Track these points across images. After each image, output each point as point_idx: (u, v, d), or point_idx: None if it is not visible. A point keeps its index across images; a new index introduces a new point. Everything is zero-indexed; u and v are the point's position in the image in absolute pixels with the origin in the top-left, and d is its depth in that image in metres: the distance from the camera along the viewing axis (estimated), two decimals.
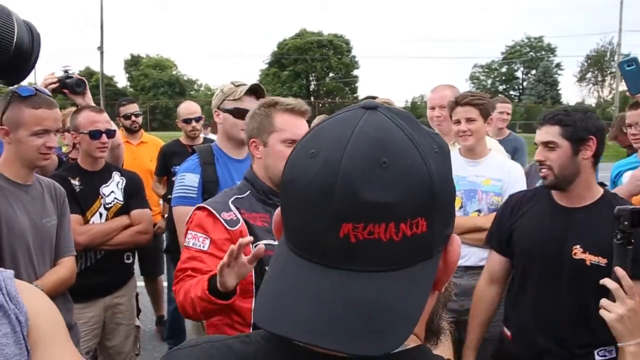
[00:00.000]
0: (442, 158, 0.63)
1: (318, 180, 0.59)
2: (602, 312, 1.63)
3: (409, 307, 0.59)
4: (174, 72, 56.70)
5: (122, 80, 58.73)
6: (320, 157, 0.60)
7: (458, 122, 2.95)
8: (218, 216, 1.97)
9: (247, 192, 2.09)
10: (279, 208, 0.71)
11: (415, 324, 0.59)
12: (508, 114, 5.52)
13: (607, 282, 1.64)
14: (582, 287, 2.11)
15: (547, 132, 2.15)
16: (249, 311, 1.97)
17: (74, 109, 3.45)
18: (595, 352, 2.13)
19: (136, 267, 3.42)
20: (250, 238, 1.77)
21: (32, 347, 1.03)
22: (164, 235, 4.61)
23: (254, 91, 2.79)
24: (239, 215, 2.00)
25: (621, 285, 1.59)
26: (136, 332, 3.23)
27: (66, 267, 2.43)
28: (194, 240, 1.97)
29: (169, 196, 2.86)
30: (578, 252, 2.12)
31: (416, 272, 0.60)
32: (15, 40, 0.56)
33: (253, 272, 1.95)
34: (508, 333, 2.36)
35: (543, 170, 2.18)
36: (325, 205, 0.58)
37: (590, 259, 2.10)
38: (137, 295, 3.35)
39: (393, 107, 0.65)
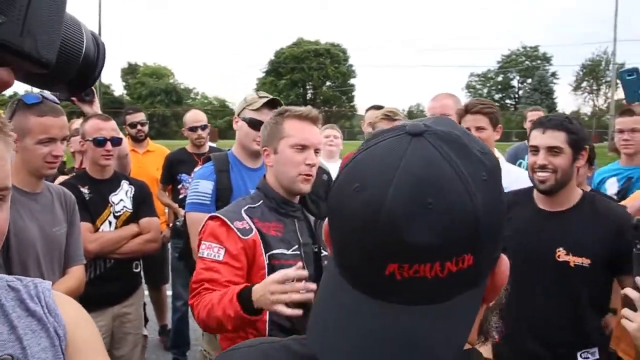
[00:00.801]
0: (490, 184, 0.61)
1: (362, 219, 0.58)
2: (623, 321, 1.63)
3: (450, 339, 0.59)
4: (170, 81, 56.78)
5: (118, 89, 58.76)
6: (364, 194, 0.59)
7: (467, 130, 2.94)
8: (231, 225, 1.96)
9: (260, 202, 2.09)
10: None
11: (455, 355, 0.59)
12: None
13: (629, 291, 1.64)
14: (567, 288, 2.16)
15: (554, 137, 2.18)
16: (264, 323, 1.98)
17: (80, 120, 3.44)
18: (578, 354, 2.17)
19: None
20: (304, 273, 1.77)
21: None
22: (169, 244, 4.59)
23: (274, 105, 2.78)
24: (251, 224, 2.00)
25: None
26: (144, 342, 3.21)
27: (75, 276, 2.40)
28: (209, 251, 1.95)
29: (184, 203, 2.86)
30: (562, 254, 2.17)
31: (461, 302, 0.60)
32: (83, 51, 0.56)
33: None
34: (496, 335, 2.36)
35: (543, 174, 2.20)
36: (371, 245, 0.58)
37: (574, 260, 2.15)
38: (144, 305, 3.33)
39: (439, 129, 0.62)
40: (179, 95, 55.46)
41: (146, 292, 4.18)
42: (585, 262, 2.13)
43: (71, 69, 0.56)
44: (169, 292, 4.82)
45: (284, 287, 1.71)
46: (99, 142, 2.90)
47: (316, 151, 2.13)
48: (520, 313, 2.22)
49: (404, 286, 0.58)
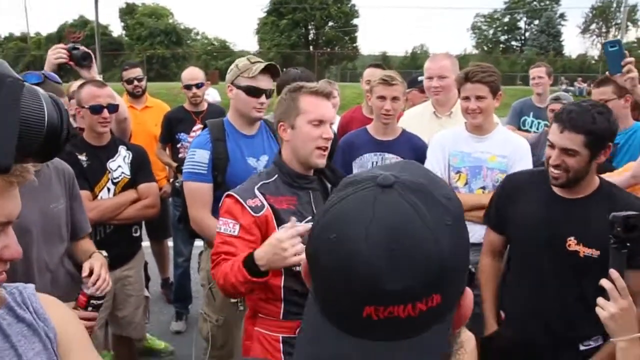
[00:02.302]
0: (455, 228, 0.67)
1: (340, 266, 0.64)
2: (597, 309, 1.67)
3: None
4: (170, 21, 55.44)
5: (117, 29, 57.49)
6: (341, 244, 0.64)
7: (467, 98, 2.87)
8: (244, 203, 2.10)
9: (275, 176, 2.21)
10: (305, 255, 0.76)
11: None
12: (540, 77, 5.39)
13: (603, 282, 1.67)
14: (576, 278, 2.15)
15: (570, 140, 2.07)
16: (278, 288, 2.14)
17: (77, 82, 3.39)
18: (580, 344, 2.19)
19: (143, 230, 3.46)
20: (307, 227, 1.93)
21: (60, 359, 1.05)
22: (170, 200, 4.64)
23: (269, 70, 2.78)
24: (264, 201, 2.12)
25: (616, 286, 1.64)
26: (146, 303, 3.30)
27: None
28: (225, 227, 2.11)
29: (182, 167, 2.88)
30: (572, 243, 2.14)
31: (431, 336, 0.66)
32: (46, 123, 0.56)
33: None
34: (502, 315, 2.42)
35: (556, 171, 2.14)
36: (348, 291, 0.63)
37: (584, 251, 2.12)
38: (146, 264, 3.40)
39: (407, 180, 0.67)
40: (178, 36, 54.04)
41: (147, 244, 4.24)
42: (594, 253, 2.09)
43: (35, 143, 0.56)
44: (171, 244, 4.91)
45: (296, 241, 1.89)
46: (96, 110, 2.88)
47: (330, 125, 2.23)
48: (528, 296, 2.26)
49: (380, 325, 0.63)
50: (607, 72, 3.00)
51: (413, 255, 0.62)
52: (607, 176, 2.51)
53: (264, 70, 2.75)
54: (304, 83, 2.26)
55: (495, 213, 2.48)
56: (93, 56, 3.08)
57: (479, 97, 2.84)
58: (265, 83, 2.76)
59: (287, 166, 2.20)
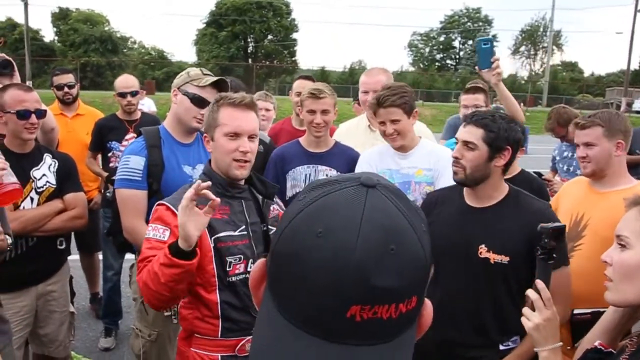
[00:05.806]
0: (428, 235, 0.68)
1: (330, 262, 0.61)
2: (522, 319, 1.70)
3: None
4: (106, 28, 53.88)
5: (49, 34, 55.28)
6: (331, 239, 0.61)
7: (383, 123, 2.89)
8: (175, 210, 2.02)
9: None
10: (258, 262, 0.73)
11: None
12: (466, 106, 5.43)
13: (530, 293, 1.70)
14: (488, 283, 2.22)
15: (470, 133, 2.22)
16: (215, 304, 2.08)
17: None
18: (500, 345, 2.25)
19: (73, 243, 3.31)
20: (208, 183, 1.90)
21: None
22: (101, 211, 4.47)
23: (219, 85, 2.73)
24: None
25: (541, 297, 1.67)
26: (71, 319, 3.12)
27: None
28: (154, 232, 2.05)
29: (113, 178, 2.76)
30: (483, 251, 2.21)
31: (404, 339, 0.67)
32: None
33: (214, 265, 2.07)
34: None
35: (455, 167, 2.26)
36: (336, 288, 0.61)
37: (494, 257, 2.19)
38: (71, 278, 3.24)
39: (386, 182, 0.68)
40: (114, 44, 52.56)
41: (75, 257, 4.04)
42: (504, 259, 2.17)
43: None
44: (101, 257, 4.72)
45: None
46: (23, 115, 2.73)
47: (251, 137, 2.17)
48: (445, 301, 2.26)
49: (361, 328, 0.62)
50: (475, 67, 3.17)
51: (403, 254, 0.62)
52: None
53: (215, 86, 2.71)
54: (227, 94, 2.23)
55: None
56: (14, 64, 2.93)
57: (393, 121, 2.85)
58: (212, 97, 2.71)
59: (219, 176, 2.17)
